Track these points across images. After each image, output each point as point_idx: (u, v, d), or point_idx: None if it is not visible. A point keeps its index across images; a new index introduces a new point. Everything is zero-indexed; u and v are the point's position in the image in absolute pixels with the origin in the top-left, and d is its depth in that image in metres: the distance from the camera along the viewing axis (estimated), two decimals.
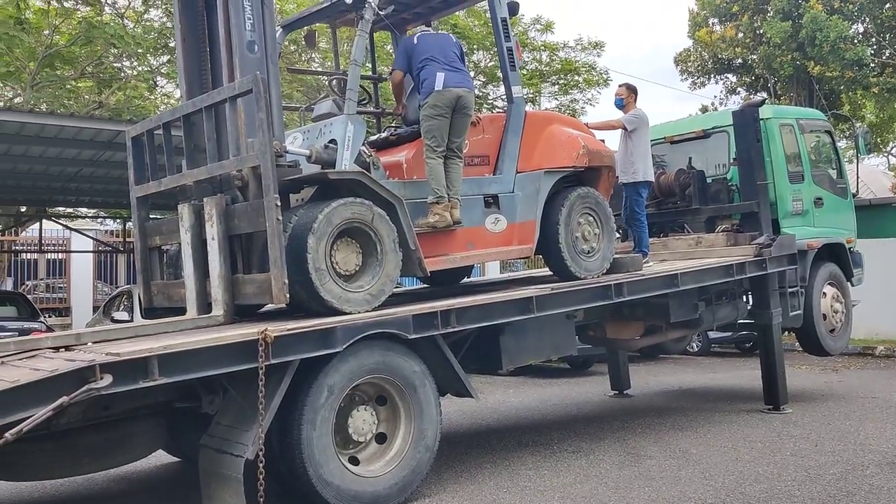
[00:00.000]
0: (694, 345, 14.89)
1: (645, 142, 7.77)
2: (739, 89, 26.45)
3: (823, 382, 10.87)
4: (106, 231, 23.63)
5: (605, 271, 6.78)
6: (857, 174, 11.07)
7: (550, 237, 6.47)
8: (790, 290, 8.47)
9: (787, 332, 9.37)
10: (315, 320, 4.90)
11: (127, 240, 19.64)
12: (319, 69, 17.04)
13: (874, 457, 6.31)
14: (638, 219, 7.72)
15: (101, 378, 3.93)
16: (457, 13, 15.06)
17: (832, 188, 9.43)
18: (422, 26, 6.25)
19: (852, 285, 9.58)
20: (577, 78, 21.02)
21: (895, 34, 22.52)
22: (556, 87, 21.35)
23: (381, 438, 5.27)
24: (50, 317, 17.24)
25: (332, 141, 5.59)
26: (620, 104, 7.92)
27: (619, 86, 8.13)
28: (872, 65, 22.25)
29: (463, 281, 8.12)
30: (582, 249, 6.64)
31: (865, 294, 10.78)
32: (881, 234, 14.06)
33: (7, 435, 3.70)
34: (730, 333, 13.35)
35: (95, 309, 16.20)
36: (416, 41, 6.16)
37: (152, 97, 18.57)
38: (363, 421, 5.13)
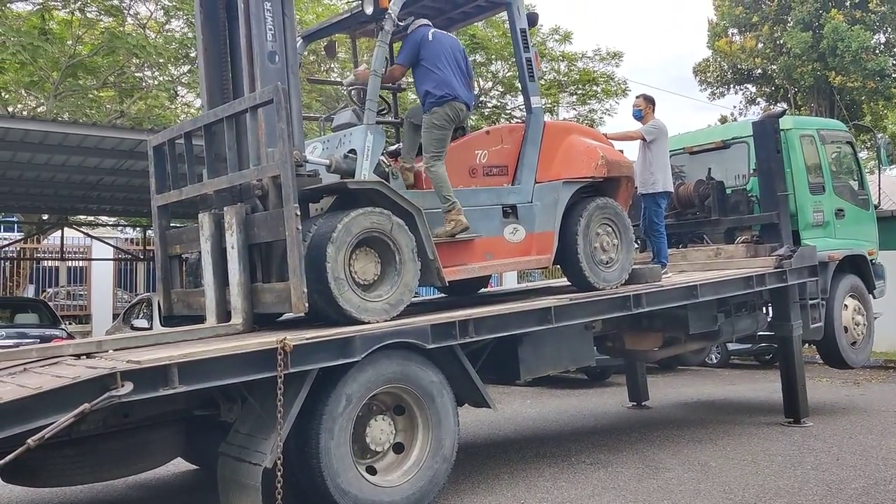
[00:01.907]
0: (713, 356, 14.79)
1: (664, 152, 7.75)
2: (759, 100, 26.38)
3: (845, 396, 10.75)
4: (126, 239, 23.84)
5: (623, 282, 6.75)
6: (879, 185, 10.98)
7: (569, 248, 6.46)
8: (811, 302, 8.41)
9: (807, 345, 9.28)
10: (333, 329, 4.91)
11: (147, 248, 19.82)
12: (339, 79, 17.13)
13: None
14: (657, 229, 7.70)
15: (123, 385, 3.96)
16: (476, 23, 15.08)
17: (853, 199, 9.36)
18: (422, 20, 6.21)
19: (874, 297, 9.49)
20: (595, 88, 21.01)
21: None
22: (575, 97, 21.34)
23: (398, 448, 5.26)
24: (70, 324, 17.37)
25: (352, 151, 5.62)
26: (638, 115, 7.92)
27: (637, 97, 8.13)
28: (894, 75, 22.09)
29: (480, 291, 8.12)
30: (600, 260, 6.62)
31: (887, 306, 10.66)
32: None
33: (29, 441, 3.73)
34: (749, 345, 13.27)
35: (115, 316, 16.32)
36: (430, 38, 5.99)
37: (173, 107, 18.74)
38: (381, 430, 5.13)
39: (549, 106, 19.68)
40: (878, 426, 8.26)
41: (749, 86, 26.48)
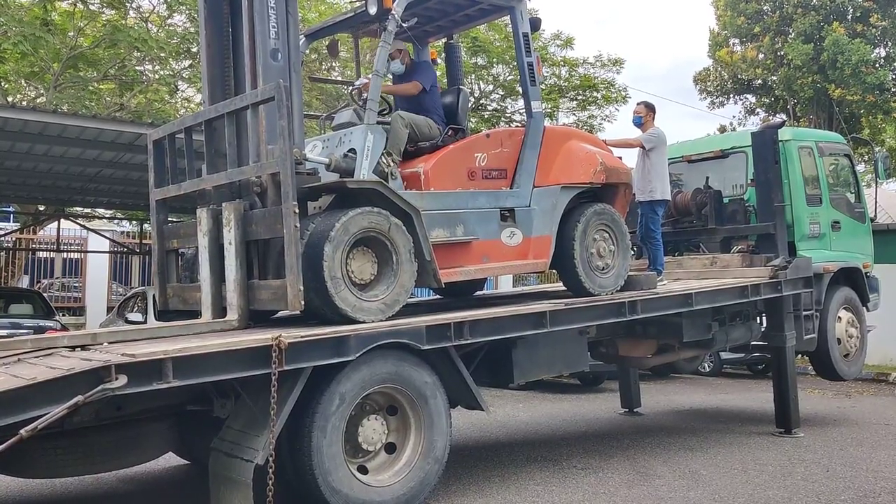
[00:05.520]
0: (706, 365, 14.79)
1: (663, 160, 7.77)
2: (758, 110, 26.39)
3: (836, 407, 10.78)
4: (122, 232, 23.79)
5: (619, 288, 6.77)
6: (876, 199, 11.01)
7: (565, 252, 6.47)
8: (805, 313, 8.42)
9: (800, 356, 9.30)
10: (329, 328, 4.92)
11: (143, 241, 19.79)
12: (339, 78, 17.12)
13: (886, 484, 6.25)
14: (653, 237, 7.71)
15: (117, 378, 3.96)
16: (478, 27, 15.11)
17: (850, 212, 9.39)
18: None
19: (868, 310, 9.52)
20: (595, 94, 21.01)
21: None
22: (575, 102, 21.35)
23: (390, 448, 5.27)
24: (64, 315, 17.34)
25: (352, 150, 5.63)
26: (639, 122, 7.93)
27: (638, 104, 8.14)
28: (894, 89, 22.16)
29: (476, 293, 8.12)
30: (597, 266, 6.64)
31: (881, 320, 10.70)
32: None
33: (22, 432, 3.73)
34: (742, 355, 13.25)
35: (109, 309, 16.29)
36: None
37: (173, 101, 18.71)
38: (373, 430, 5.14)
39: (549, 111, 19.68)
40: (869, 439, 8.28)
41: (749, 96, 26.48)
